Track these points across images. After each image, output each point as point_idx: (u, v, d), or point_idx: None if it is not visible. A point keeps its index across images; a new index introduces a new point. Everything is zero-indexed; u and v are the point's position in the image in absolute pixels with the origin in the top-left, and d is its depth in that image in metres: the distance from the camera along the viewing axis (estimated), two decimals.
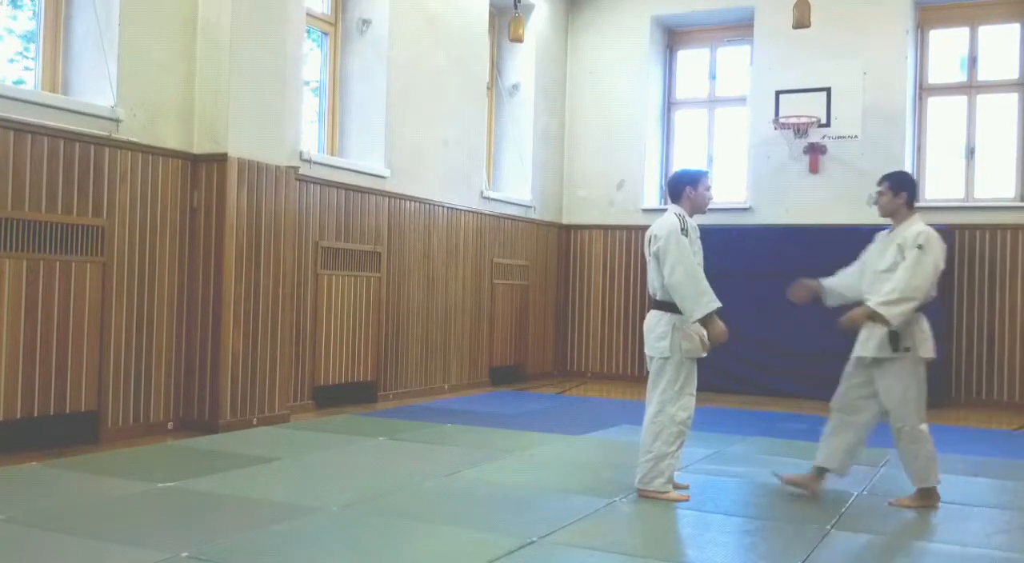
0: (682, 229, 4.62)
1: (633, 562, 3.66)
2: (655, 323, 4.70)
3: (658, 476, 4.61)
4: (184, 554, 3.51)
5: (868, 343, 4.73)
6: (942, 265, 4.62)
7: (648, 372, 4.79)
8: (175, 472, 4.96)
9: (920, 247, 4.56)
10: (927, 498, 4.65)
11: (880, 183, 4.86)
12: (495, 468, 5.36)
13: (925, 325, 4.68)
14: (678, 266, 4.54)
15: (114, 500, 4.42)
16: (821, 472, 4.81)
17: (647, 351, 4.75)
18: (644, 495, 4.63)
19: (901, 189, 4.78)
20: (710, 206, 4.98)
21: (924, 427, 4.63)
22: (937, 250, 4.60)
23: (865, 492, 4.94)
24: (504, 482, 4.96)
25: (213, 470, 5.07)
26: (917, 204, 4.92)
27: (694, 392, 4.72)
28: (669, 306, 4.66)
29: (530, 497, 4.63)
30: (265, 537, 3.83)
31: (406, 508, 4.36)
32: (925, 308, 4.67)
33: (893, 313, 4.51)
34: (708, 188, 4.89)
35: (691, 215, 4.80)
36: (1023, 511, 4.65)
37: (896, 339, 4.57)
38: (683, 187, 4.83)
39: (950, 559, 3.78)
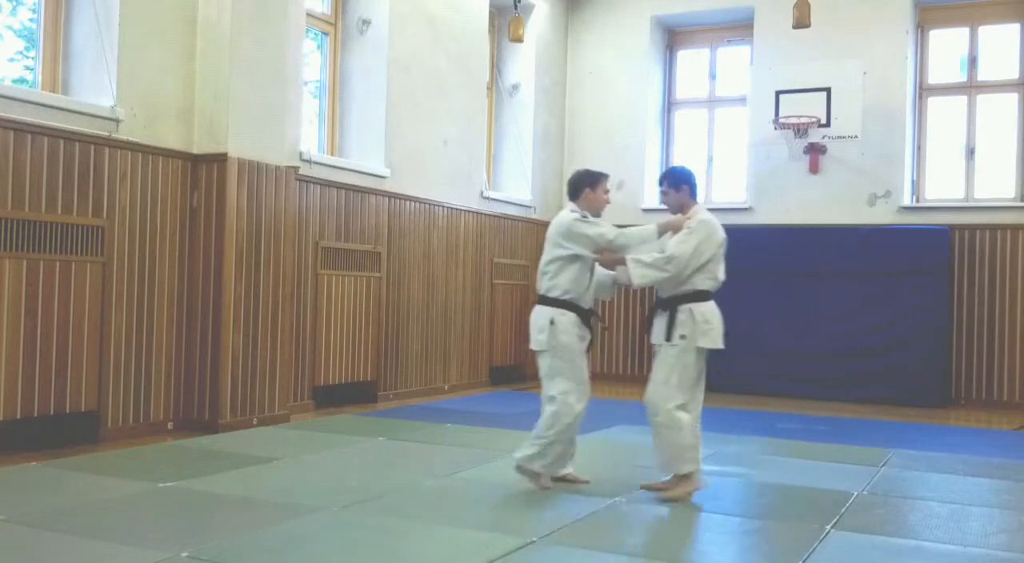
0: (583, 216, 4.76)
1: (633, 562, 3.66)
2: (536, 317, 4.81)
3: (540, 459, 4.71)
4: (184, 554, 3.51)
5: (653, 331, 4.80)
6: (709, 251, 4.65)
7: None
8: (175, 472, 4.96)
9: (688, 230, 4.66)
10: (682, 485, 4.62)
11: (660, 184, 4.95)
12: (495, 468, 5.35)
13: (711, 315, 4.68)
14: (606, 233, 4.69)
15: (114, 500, 4.42)
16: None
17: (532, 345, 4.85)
18: (521, 471, 4.75)
19: (681, 183, 4.86)
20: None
21: (681, 415, 4.60)
22: (703, 234, 4.64)
23: (865, 492, 4.94)
24: (504, 482, 4.95)
25: (213, 470, 5.07)
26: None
27: (581, 380, 4.79)
28: (549, 301, 4.77)
29: (530, 497, 4.63)
30: (265, 537, 3.83)
31: (406, 508, 4.36)
32: (721, 296, 4.73)
33: (637, 272, 4.63)
34: (607, 192, 4.97)
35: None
36: (1023, 511, 4.64)
37: (671, 328, 4.65)
38: (583, 187, 4.90)
39: (950, 559, 3.78)
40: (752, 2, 10.36)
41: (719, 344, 4.70)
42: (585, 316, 4.79)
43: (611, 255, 4.74)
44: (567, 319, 4.73)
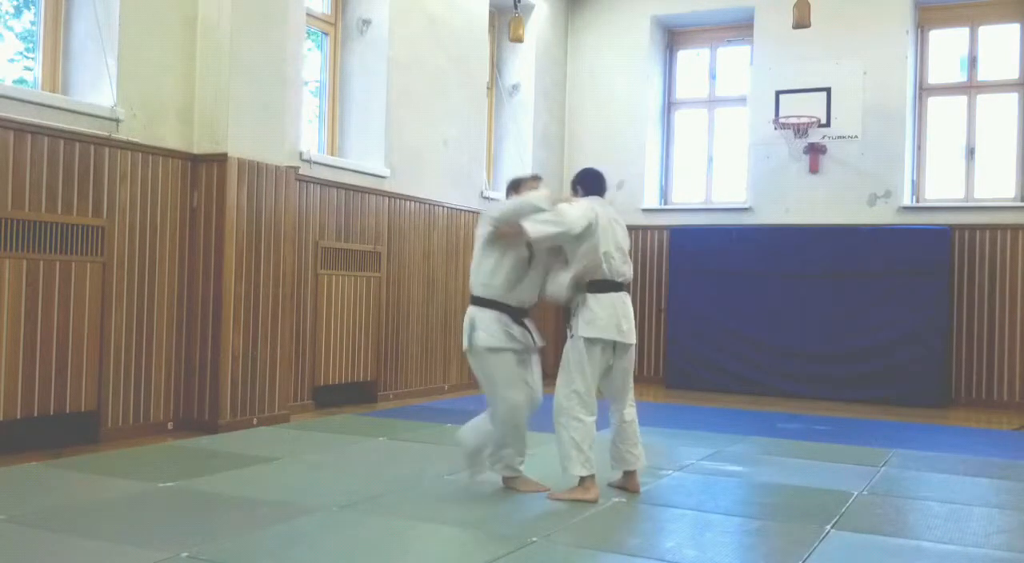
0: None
1: (633, 562, 3.66)
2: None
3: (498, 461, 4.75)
4: (184, 554, 3.51)
5: None
6: (590, 225, 4.57)
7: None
8: (175, 472, 4.96)
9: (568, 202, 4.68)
10: (578, 490, 4.54)
11: None
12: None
13: (600, 307, 4.58)
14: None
15: (114, 500, 4.41)
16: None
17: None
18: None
19: (577, 185, 4.93)
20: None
21: (574, 412, 4.54)
22: (575, 212, 4.55)
23: (865, 492, 4.94)
24: None
25: (213, 470, 5.07)
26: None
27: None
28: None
29: (530, 497, 4.62)
30: (265, 537, 3.83)
31: (406, 508, 4.36)
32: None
33: (530, 227, 4.46)
34: None
35: None
36: (1023, 511, 4.64)
37: (568, 321, 4.72)
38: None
39: (950, 559, 3.78)
40: (752, 2, 10.37)
41: (605, 334, 4.54)
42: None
43: (507, 227, 4.57)
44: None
